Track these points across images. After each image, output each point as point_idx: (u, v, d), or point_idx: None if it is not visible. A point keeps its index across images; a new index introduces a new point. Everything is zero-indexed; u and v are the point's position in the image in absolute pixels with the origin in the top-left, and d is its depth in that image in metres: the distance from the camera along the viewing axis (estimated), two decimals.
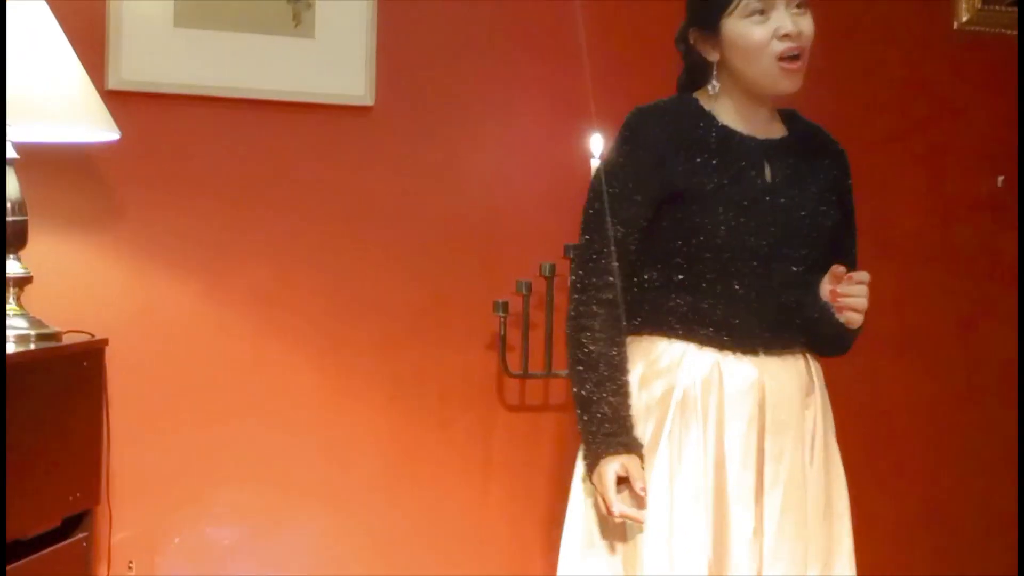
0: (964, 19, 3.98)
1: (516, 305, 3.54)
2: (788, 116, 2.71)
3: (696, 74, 2.64)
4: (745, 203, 2.53)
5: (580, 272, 2.56)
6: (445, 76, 3.58)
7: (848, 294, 2.54)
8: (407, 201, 3.54)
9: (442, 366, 3.57)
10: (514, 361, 3.57)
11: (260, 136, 3.43)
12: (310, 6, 3.46)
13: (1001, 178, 4.02)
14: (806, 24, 2.54)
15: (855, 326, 2.58)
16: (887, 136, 3.95)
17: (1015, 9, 3.99)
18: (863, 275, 2.56)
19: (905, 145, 3.99)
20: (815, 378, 2.66)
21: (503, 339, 3.53)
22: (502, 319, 3.52)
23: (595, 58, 3.63)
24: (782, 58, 2.51)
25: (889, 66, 3.97)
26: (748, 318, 2.54)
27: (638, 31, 3.62)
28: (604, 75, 3.58)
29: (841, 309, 2.55)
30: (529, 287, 3.52)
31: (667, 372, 2.56)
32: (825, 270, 2.59)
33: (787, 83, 2.54)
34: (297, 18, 3.46)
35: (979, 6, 3.96)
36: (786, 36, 2.50)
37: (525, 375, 3.58)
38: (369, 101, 3.51)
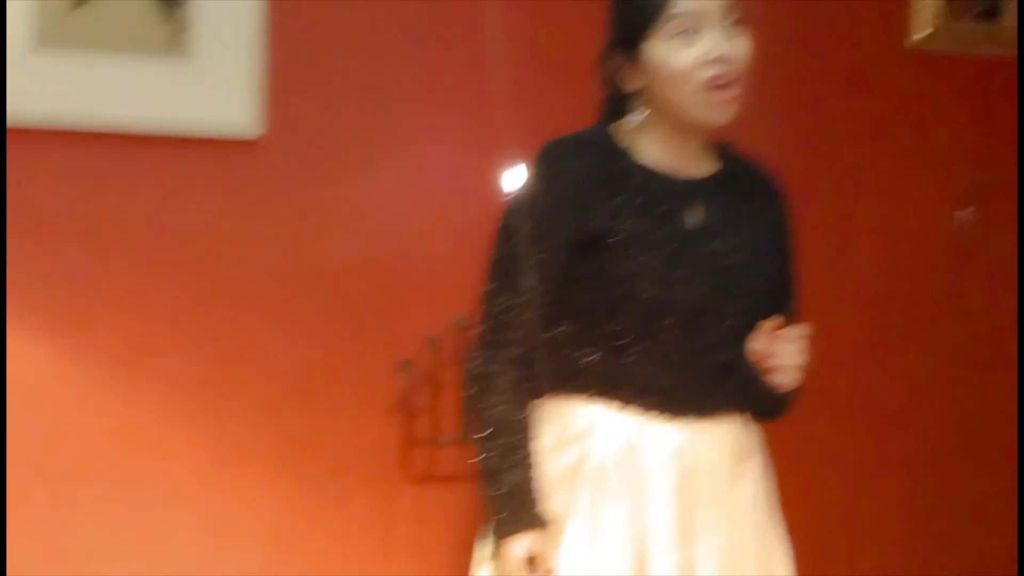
0: (923, 35, 3.73)
1: (423, 363, 3.28)
2: (721, 149, 2.46)
3: (619, 102, 2.40)
4: (671, 250, 2.31)
5: (485, 325, 2.38)
6: (345, 103, 3.30)
7: (776, 354, 2.31)
8: (298, 247, 3.26)
9: (338, 434, 3.28)
10: (421, 427, 3.31)
11: (128, 175, 3.16)
12: (184, 28, 3.13)
13: (968, 210, 3.79)
14: (741, 46, 2.27)
15: (785, 389, 2.35)
16: (837, 168, 3.71)
17: (977, 25, 3.78)
18: (796, 331, 2.33)
19: (858, 178, 3.74)
20: (752, 443, 2.46)
21: (408, 403, 3.28)
22: (407, 380, 3.26)
23: (516, 83, 3.33)
24: (712, 86, 2.24)
25: (839, 90, 3.73)
26: (675, 379, 2.34)
27: (564, 55, 3.33)
28: (525, 102, 3.28)
29: (768, 370, 2.33)
30: (439, 343, 3.24)
31: (580, 438, 2.36)
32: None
33: (717, 114, 2.29)
34: (171, 35, 3.13)
35: (938, 22, 3.73)
36: (716, 60, 2.23)
37: (434, 443, 3.31)
38: (255, 133, 3.20)
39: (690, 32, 2.23)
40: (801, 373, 2.35)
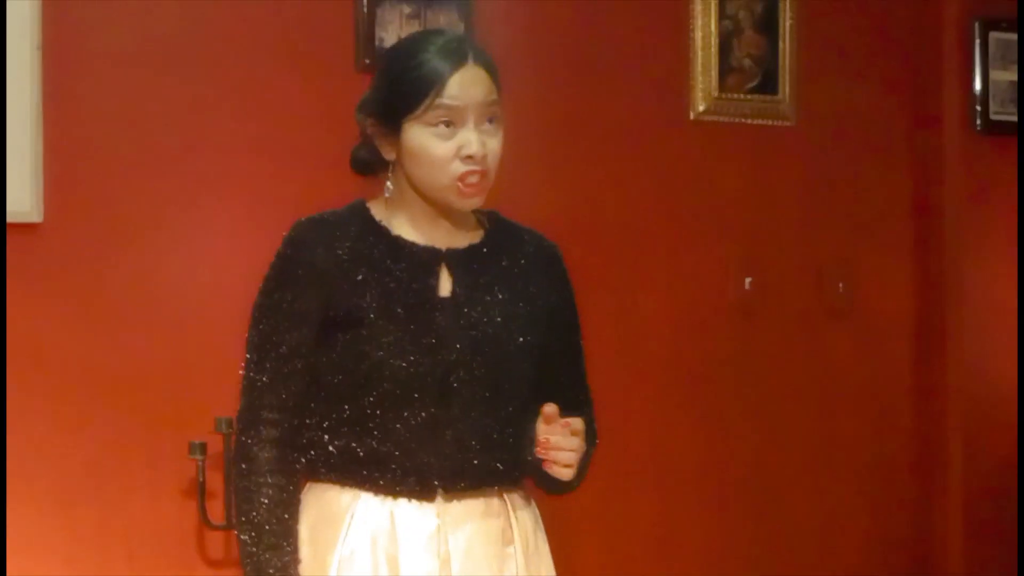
0: (700, 109, 3.85)
1: (217, 445, 3.20)
2: (488, 218, 2.45)
3: (373, 164, 2.39)
4: (416, 323, 2.29)
5: (243, 404, 2.36)
6: (129, 183, 3.25)
7: (558, 447, 2.26)
8: (83, 333, 3.20)
9: (130, 520, 3.21)
10: (216, 510, 3.24)
11: None
12: None
13: (748, 279, 3.89)
14: (493, 144, 2.31)
15: (565, 479, 2.30)
16: (625, 236, 3.81)
17: (753, 97, 3.94)
18: (577, 423, 2.28)
19: (644, 245, 3.85)
20: (516, 523, 2.38)
21: (202, 486, 3.20)
22: (199, 463, 3.19)
23: (303, 161, 3.36)
24: (461, 180, 2.28)
25: (624, 160, 3.83)
26: (423, 457, 2.29)
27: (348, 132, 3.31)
28: (313, 179, 3.27)
29: (549, 463, 2.28)
30: (231, 424, 3.12)
31: (335, 523, 2.30)
32: (530, 393, 2.34)
33: (464, 203, 2.32)
34: None
35: (715, 95, 3.86)
36: (469, 158, 2.27)
37: (230, 526, 3.22)
38: (37, 218, 3.14)
39: (449, 124, 2.27)
40: (576, 467, 2.29)
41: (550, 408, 2.25)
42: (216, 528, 3.25)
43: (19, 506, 3.09)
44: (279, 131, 3.37)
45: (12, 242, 3.10)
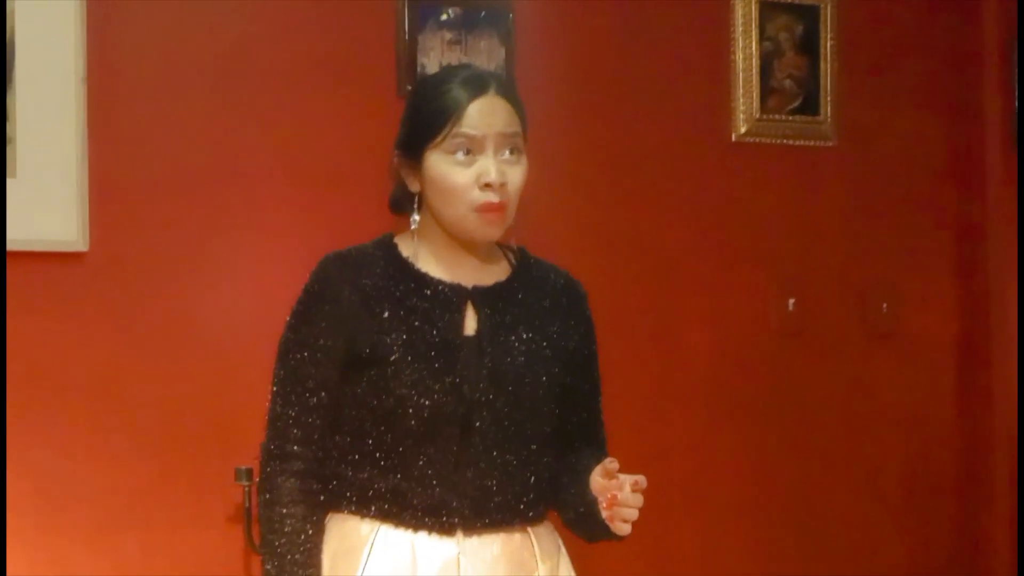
0: (742, 130, 3.84)
1: None
2: (516, 255, 2.46)
3: (404, 200, 2.43)
4: (440, 361, 2.30)
5: (268, 436, 2.38)
6: (171, 213, 3.26)
7: (626, 504, 2.23)
8: (127, 360, 3.21)
9: (176, 546, 3.21)
10: None
11: None
12: (11, 140, 3.08)
13: (792, 301, 3.88)
14: (515, 174, 2.33)
15: (624, 534, 2.27)
16: (666, 258, 3.80)
17: (795, 118, 3.93)
18: (643, 480, 2.24)
19: (685, 267, 3.83)
20: (539, 550, 2.39)
21: (248, 511, 3.19)
22: (246, 488, 3.19)
23: (349, 188, 3.37)
24: (480, 209, 2.30)
25: (666, 183, 3.82)
26: (445, 492, 2.31)
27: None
28: (364, 199, 3.23)
29: (612, 518, 2.25)
30: None
31: (355, 553, 2.32)
32: (549, 430, 2.38)
33: (483, 232, 2.34)
34: None
35: (757, 116, 3.85)
36: (488, 186, 2.29)
37: None
38: (83, 247, 3.16)
39: (468, 152, 2.29)
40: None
41: (613, 464, 2.24)
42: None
43: (63, 535, 3.11)
44: (322, 159, 3.38)
45: (58, 271, 3.13)
